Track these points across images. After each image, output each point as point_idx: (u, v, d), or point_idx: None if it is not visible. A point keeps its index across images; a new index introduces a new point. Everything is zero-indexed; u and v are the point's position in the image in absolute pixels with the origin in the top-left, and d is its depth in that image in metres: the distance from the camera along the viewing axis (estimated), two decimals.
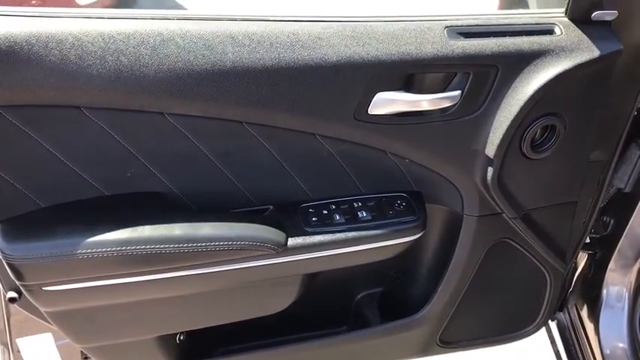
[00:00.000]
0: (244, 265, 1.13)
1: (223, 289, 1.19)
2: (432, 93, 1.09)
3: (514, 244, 1.33)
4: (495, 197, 1.21)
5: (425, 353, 1.49)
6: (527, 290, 1.47)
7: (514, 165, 1.18)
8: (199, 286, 1.15)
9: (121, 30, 0.95)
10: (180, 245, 1.06)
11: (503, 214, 1.27)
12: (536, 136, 1.17)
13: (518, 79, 1.09)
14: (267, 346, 1.38)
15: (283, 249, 1.13)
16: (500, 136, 1.12)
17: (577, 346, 1.74)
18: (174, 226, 1.07)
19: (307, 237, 1.16)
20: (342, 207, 1.22)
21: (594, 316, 1.71)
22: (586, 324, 1.73)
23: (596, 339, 1.69)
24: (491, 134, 1.13)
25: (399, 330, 1.41)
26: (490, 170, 1.17)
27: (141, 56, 0.95)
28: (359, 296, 1.49)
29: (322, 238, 1.16)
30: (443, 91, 1.09)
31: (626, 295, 1.65)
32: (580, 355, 1.73)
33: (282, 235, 1.14)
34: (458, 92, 1.09)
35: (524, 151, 1.16)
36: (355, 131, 1.10)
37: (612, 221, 1.60)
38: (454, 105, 1.10)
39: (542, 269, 1.40)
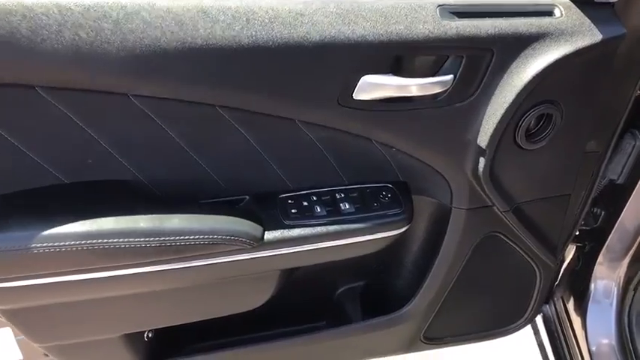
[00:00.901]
0: (217, 260, 1.05)
1: (194, 286, 1.11)
2: (422, 77, 1.00)
3: (504, 238, 1.27)
4: (486, 189, 1.14)
5: (408, 350, 1.43)
6: (516, 285, 1.41)
7: (507, 156, 1.11)
8: (168, 282, 1.07)
9: (79, 1, 0.85)
10: (147, 239, 0.97)
11: (494, 207, 1.20)
12: (531, 125, 1.09)
13: (514, 64, 1.01)
14: (241, 343, 1.31)
15: (260, 243, 1.05)
16: (494, 125, 1.04)
17: (562, 339, 1.69)
18: (140, 218, 0.98)
19: (286, 230, 1.08)
20: (323, 198, 1.14)
21: (581, 310, 1.66)
22: (572, 318, 1.68)
23: (583, 334, 1.64)
24: (484, 123, 1.06)
25: (381, 326, 1.34)
26: (482, 161, 1.09)
27: (102, 31, 0.85)
28: (339, 290, 1.42)
29: (302, 232, 1.08)
30: (434, 75, 1.01)
31: (614, 290, 1.60)
32: (565, 349, 1.68)
33: (259, 229, 1.05)
34: (450, 77, 1.01)
35: (519, 141, 1.09)
36: (338, 117, 1.02)
37: (603, 213, 1.54)
38: (445, 91, 1.02)
39: (532, 264, 1.34)
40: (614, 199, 1.46)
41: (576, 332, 1.67)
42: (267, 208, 1.10)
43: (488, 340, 1.49)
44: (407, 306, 1.32)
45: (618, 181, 1.41)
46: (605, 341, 1.63)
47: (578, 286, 1.67)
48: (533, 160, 1.15)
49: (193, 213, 1.01)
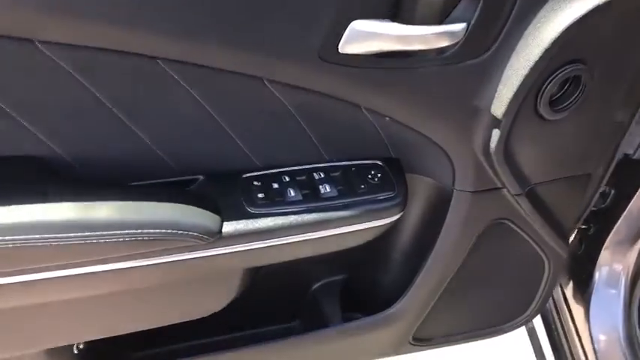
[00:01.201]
0: (160, 260, 0.82)
1: (133, 290, 0.88)
2: (428, 24, 0.78)
3: (512, 225, 1.07)
4: (498, 169, 0.93)
5: (395, 353, 1.23)
6: (521, 278, 1.21)
7: (525, 128, 0.90)
8: (96, 287, 0.84)
9: None
10: (67, 235, 0.74)
11: (504, 190, 0.99)
12: (554, 91, 0.88)
13: (542, 11, 0.79)
14: (196, 350, 1.09)
15: (217, 238, 0.82)
16: (514, 90, 0.82)
17: (561, 332, 1.52)
18: (59, 207, 0.74)
19: (250, 220, 0.85)
20: (297, 179, 0.91)
21: (584, 300, 1.49)
22: (573, 308, 1.50)
23: (586, 326, 1.47)
24: (500, 87, 0.84)
25: (365, 329, 1.14)
26: (495, 134, 0.88)
27: None
28: (315, 285, 1.20)
29: (271, 222, 0.86)
30: (442, 22, 0.78)
31: (622, 279, 1.42)
32: (565, 344, 1.51)
33: (215, 219, 0.83)
34: (462, 26, 0.78)
35: (540, 110, 0.87)
36: (319, 77, 0.79)
37: (613, 192, 1.36)
38: (456, 44, 0.79)
39: (541, 254, 1.15)
40: (627, 177, 1.28)
41: (577, 325, 1.50)
42: (227, 192, 0.87)
43: (484, 339, 1.31)
44: (396, 304, 1.11)
45: (635, 156, 1.22)
46: (610, 335, 1.46)
47: (580, 272, 1.49)
48: (553, 134, 0.94)
49: (128, 199, 0.78)
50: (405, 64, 0.81)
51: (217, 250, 0.84)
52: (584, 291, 1.49)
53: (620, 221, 1.36)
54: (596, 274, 1.45)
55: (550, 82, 0.84)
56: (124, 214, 0.76)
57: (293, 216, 0.87)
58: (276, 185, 0.89)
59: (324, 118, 0.87)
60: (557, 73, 0.84)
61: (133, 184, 0.84)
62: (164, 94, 0.77)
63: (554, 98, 0.88)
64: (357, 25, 0.74)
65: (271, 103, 0.82)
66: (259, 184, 0.89)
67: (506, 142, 0.89)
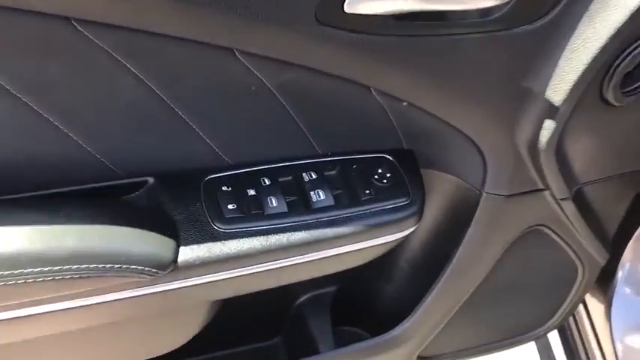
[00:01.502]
0: (94, 300, 0.60)
1: (72, 332, 0.66)
2: None
3: (547, 231, 0.86)
4: (545, 168, 0.71)
5: None
6: (549, 286, 1.01)
7: (586, 116, 0.68)
8: (25, 332, 0.62)
9: None
10: None
11: (545, 192, 0.78)
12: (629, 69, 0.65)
13: None
14: None
15: (169, 270, 0.60)
16: (582, 68, 0.60)
17: (577, 334, 1.34)
18: None
19: (217, 244, 0.62)
20: (281, 181, 0.68)
21: (605, 298, 1.30)
22: (591, 307, 1.32)
23: (606, 328, 1.29)
24: (562, 64, 0.61)
25: (364, 354, 0.93)
26: (549, 125, 0.66)
27: None
28: (302, 298, 0.98)
29: (245, 245, 0.63)
30: None
31: None
32: (580, 346, 1.34)
33: (168, 245, 0.60)
34: None
35: (607, 94, 0.65)
36: (315, 46, 0.55)
37: None
38: (506, 3, 0.56)
39: (575, 260, 0.94)
40: None
41: (596, 325, 1.32)
42: (185, 201, 0.64)
43: (500, 351, 1.12)
44: (403, 324, 0.90)
45: None
46: (634, 338, 1.28)
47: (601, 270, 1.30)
48: (617, 122, 0.72)
49: (46, 220, 0.54)
50: (434, 30, 0.57)
51: (172, 284, 0.62)
52: (605, 288, 1.30)
53: None
54: (619, 272, 1.26)
55: (626, 57, 0.62)
56: (40, 243, 0.53)
57: (275, 236, 0.64)
58: (252, 192, 0.66)
59: (317, 102, 0.64)
60: (637, 48, 0.61)
61: (50, 192, 0.61)
62: (94, 70, 0.53)
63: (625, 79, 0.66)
64: None
65: (244, 80, 0.58)
66: (229, 189, 0.66)
67: (561, 135, 0.67)
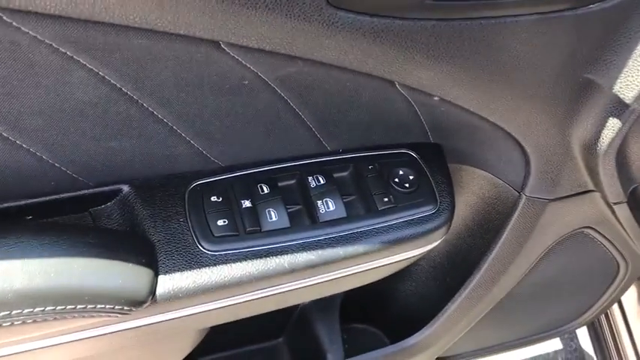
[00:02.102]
0: (64, 340, 0.50)
1: None
2: None
3: (593, 233, 0.74)
4: (602, 171, 0.59)
5: None
6: (587, 284, 0.90)
7: None
8: None
9: None
10: None
11: (596, 194, 0.66)
12: None
13: None
14: None
15: (147, 305, 0.49)
16: None
17: (606, 325, 1.25)
18: None
19: (205, 269, 0.51)
20: (281, 186, 0.57)
21: (637, 290, 1.20)
22: (623, 296, 1.22)
23: (638, 320, 1.19)
24: (638, 50, 0.48)
25: None
26: (613, 125, 0.53)
27: None
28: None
29: (239, 271, 0.52)
30: None
31: None
32: (609, 336, 1.24)
33: (142, 276, 0.49)
34: None
35: None
36: (326, 36, 0.43)
37: None
38: None
39: (618, 258, 0.83)
40: None
41: (627, 313, 1.22)
42: (166, 217, 0.53)
43: (525, 347, 1.02)
44: (422, 332, 0.80)
45: None
46: None
47: None
48: None
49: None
50: (479, 11, 0.44)
51: (151, 318, 0.52)
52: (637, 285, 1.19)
53: None
54: None
55: None
56: None
57: (275, 258, 0.53)
58: (246, 203, 0.55)
59: (325, 96, 0.51)
60: None
61: (3, 206, 0.50)
62: (29, 70, 0.41)
63: None
64: None
65: (233, 75, 0.46)
66: (219, 200, 0.54)
67: (626, 135, 0.55)
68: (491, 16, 0.44)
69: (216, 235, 0.52)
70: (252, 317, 0.64)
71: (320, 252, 0.54)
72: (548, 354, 1.40)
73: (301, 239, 0.54)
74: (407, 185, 0.59)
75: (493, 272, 0.73)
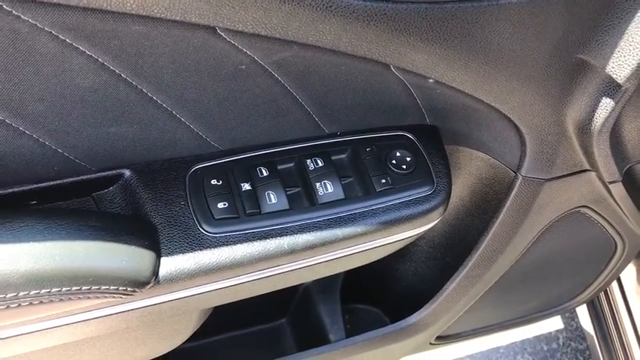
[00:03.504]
0: (69, 320, 0.51)
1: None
2: None
3: (590, 212, 0.75)
4: (597, 150, 0.60)
5: (411, 353, 0.96)
6: (585, 262, 0.92)
7: None
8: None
9: None
10: None
11: (592, 173, 0.67)
12: None
13: None
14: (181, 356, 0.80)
15: (150, 285, 0.51)
16: None
17: (606, 302, 1.26)
18: None
19: (206, 251, 0.53)
20: (280, 169, 0.58)
21: (636, 269, 1.21)
22: (622, 274, 1.23)
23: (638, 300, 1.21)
24: (631, 31, 0.48)
25: (380, 342, 0.84)
26: (607, 104, 0.54)
27: None
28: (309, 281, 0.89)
29: (239, 252, 0.53)
30: None
31: None
32: (609, 315, 1.26)
33: (145, 258, 0.50)
34: None
35: None
36: (319, 20, 0.43)
37: None
38: None
39: (615, 236, 0.84)
40: None
41: (626, 291, 1.24)
42: (167, 200, 0.54)
43: (522, 326, 1.04)
44: (421, 312, 0.82)
45: None
46: None
47: None
48: None
49: None
50: None
51: (155, 299, 0.53)
52: (638, 257, 1.20)
53: None
54: None
55: None
56: None
57: (275, 239, 0.54)
58: (246, 185, 0.56)
59: (323, 79, 0.52)
60: None
61: (8, 191, 0.51)
62: (30, 57, 0.42)
63: None
64: None
65: (230, 60, 0.47)
66: (219, 183, 0.55)
67: (619, 115, 0.56)
68: (462, 0, 0.45)
69: (216, 217, 0.54)
70: (255, 298, 0.65)
71: (319, 233, 0.56)
72: (550, 333, 1.42)
73: (300, 221, 0.55)
74: (404, 167, 0.60)
75: (491, 251, 0.74)
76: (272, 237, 0.54)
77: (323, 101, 0.55)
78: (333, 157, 0.59)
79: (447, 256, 0.80)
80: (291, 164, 0.58)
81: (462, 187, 0.72)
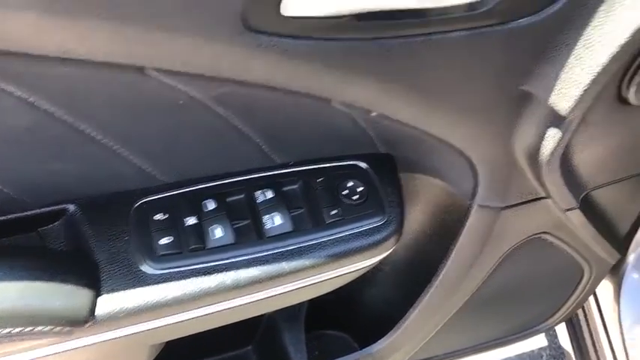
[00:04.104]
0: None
1: None
2: None
3: (551, 238, 0.75)
4: (548, 180, 0.59)
5: None
6: (552, 287, 0.91)
7: (599, 120, 0.55)
8: None
9: None
10: None
11: (548, 200, 0.66)
12: None
13: None
14: None
15: (89, 324, 0.50)
16: (596, 70, 0.47)
17: (584, 322, 1.25)
18: None
19: (146, 288, 0.52)
20: (229, 202, 0.57)
21: (614, 280, 1.20)
22: (599, 294, 1.22)
23: (616, 310, 1.19)
24: (571, 64, 0.48)
25: None
26: (553, 135, 0.53)
27: None
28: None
29: (180, 290, 0.52)
30: None
31: None
32: (587, 335, 1.25)
33: (82, 296, 0.49)
34: None
35: (626, 94, 0.52)
36: (249, 58, 0.43)
37: None
38: None
39: (581, 262, 0.84)
40: None
41: (603, 309, 1.23)
42: (111, 236, 0.53)
43: (499, 348, 1.03)
44: (387, 337, 0.81)
45: None
46: None
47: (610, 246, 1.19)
48: (631, 122, 0.59)
49: None
50: (404, 30, 0.44)
51: (92, 337, 0.52)
52: (614, 270, 1.20)
53: None
54: (630, 256, 1.15)
55: None
56: None
57: (218, 275, 0.53)
58: (192, 219, 0.55)
59: (266, 112, 0.52)
60: None
61: None
62: None
63: None
64: None
65: (166, 96, 0.46)
66: (165, 217, 0.55)
67: (568, 144, 0.55)
68: (415, 35, 0.44)
69: (159, 253, 0.53)
70: (220, 326, 0.64)
71: (265, 267, 0.55)
72: (532, 351, 1.41)
73: (246, 255, 0.55)
74: (355, 197, 0.60)
75: (452, 278, 0.73)
76: (216, 272, 0.53)
77: (270, 133, 0.55)
78: (283, 189, 0.59)
79: (410, 281, 0.80)
80: (240, 196, 0.58)
81: (420, 213, 0.72)
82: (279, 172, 0.60)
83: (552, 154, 0.55)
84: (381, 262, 0.81)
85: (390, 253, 0.79)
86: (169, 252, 0.53)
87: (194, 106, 0.48)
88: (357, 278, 0.80)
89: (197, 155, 0.55)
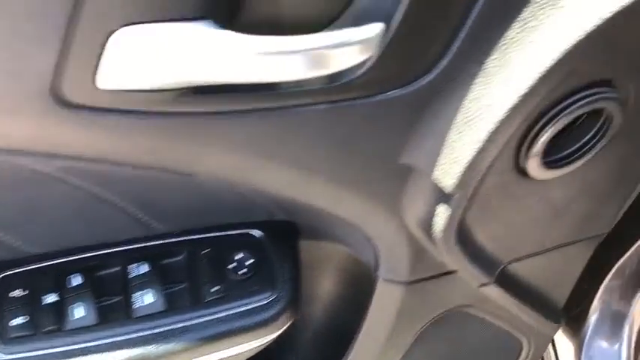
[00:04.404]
0: None
1: None
2: (303, 31, 0.37)
3: (475, 311, 0.70)
4: (448, 257, 0.55)
5: None
6: None
7: (500, 194, 0.51)
8: None
9: None
10: None
11: (459, 274, 0.62)
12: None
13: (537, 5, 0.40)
14: None
15: None
16: (477, 146, 0.43)
17: None
18: None
19: None
20: (98, 276, 0.52)
21: (577, 342, 1.14)
22: (560, 351, 1.16)
23: None
24: (450, 139, 0.44)
25: None
26: (443, 212, 0.49)
27: None
28: None
29: None
30: (332, 23, 0.38)
31: (626, 330, 1.07)
32: None
33: None
34: (378, 27, 0.37)
35: (527, 166, 0.48)
36: (68, 134, 0.39)
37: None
38: (364, 63, 0.39)
39: (518, 335, 0.78)
40: None
41: None
42: None
43: None
44: None
45: None
46: None
47: (571, 308, 1.13)
48: (543, 195, 0.55)
49: None
50: (250, 103, 0.40)
51: None
52: (575, 332, 1.14)
53: (629, 253, 1.00)
54: (592, 318, 1.10)
55: (550, 124, 0.45)
56: None
57: (79, 359, 0.49)
58: (52, 297, 0.50)
59: (132, 184, 0.48)
60: (565, 110, 0.45)
61: None
62: None
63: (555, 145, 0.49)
64: (141, 31, 0.34)
65: (8, 172, 0.42)
66: (25, 294, 0.50)
67: (462, 221, 0.51)
68: (271, 107, 0.40)
69: (10, 335, 0.48)
70: None
71: (130, 351, 0.50)
72: None
73: (111, 337, 0.50)
74: (243, 271, 0.55)
75: (368, 348, 0.68)
76: (74, 357, 0.49)
77: (146, 203, 0.51)
78: (163, 262, 0.54)
79: (328, 347, 0.74)
80: (112, 270, 0.53)
81: (329, 281, 0.67)
82: (162, 242, 0.55)
83: (445, 231, 0.50)
84: (303, 327, 0.76)
85: (311, 319, 0.74)
86: (21, 334, 0.48)
87: (41, 178, 0.44)
88: (278, 344, 0.75)
89: (63, 227, 0.51)
